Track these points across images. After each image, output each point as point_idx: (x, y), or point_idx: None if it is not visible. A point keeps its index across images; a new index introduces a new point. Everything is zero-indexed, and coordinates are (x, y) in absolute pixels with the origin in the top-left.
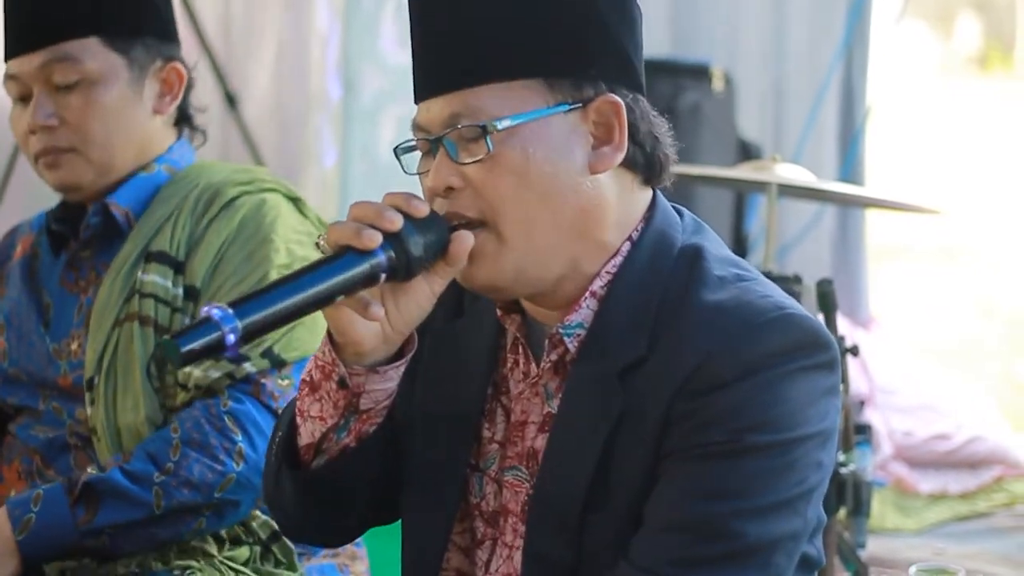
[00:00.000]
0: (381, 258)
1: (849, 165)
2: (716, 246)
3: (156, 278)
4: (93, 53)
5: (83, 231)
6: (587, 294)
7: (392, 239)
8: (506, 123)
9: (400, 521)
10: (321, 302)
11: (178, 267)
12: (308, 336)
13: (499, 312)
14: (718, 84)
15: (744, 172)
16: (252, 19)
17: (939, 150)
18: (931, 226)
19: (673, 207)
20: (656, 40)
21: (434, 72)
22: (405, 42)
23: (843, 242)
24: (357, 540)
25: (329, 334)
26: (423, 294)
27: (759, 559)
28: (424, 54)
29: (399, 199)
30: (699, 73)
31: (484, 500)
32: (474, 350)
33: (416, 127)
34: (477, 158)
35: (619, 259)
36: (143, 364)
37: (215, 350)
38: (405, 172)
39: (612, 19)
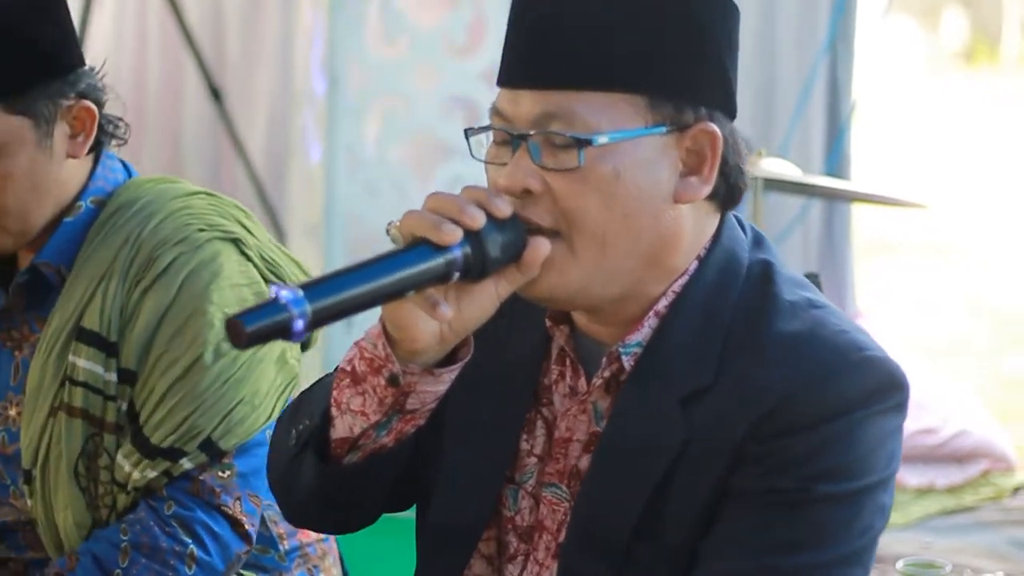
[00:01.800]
0: (458, 255)
1: (835, 160)
2: (778, 261)
3: (87, 364)
4: None
5: (12, 289)
6: (651, 313)
7: (471, 237)
8: (604, 139)
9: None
10: (393, 295)
11: (110, 349)
12: (248, 418)
13: (548, 322)
14: None
15: None
16: (238, 15)
17: (925, 145)
18: (918, 221)
19: (735, 217)
20: None
21: (533, 62)
22: (390, 38)
23: (829, 237)
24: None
25: (383, 326)
26: (488, 297)
27: None
28: (525, 39)
29: (482, 195)
30: None
31: (519, 514)
32: (517, 357)
33: (496, 112)
34: (566, 167)
35: (685, 278)
36: (69, 460)
37: (281, 333)
38: (472, 156)
39: (723, 45)
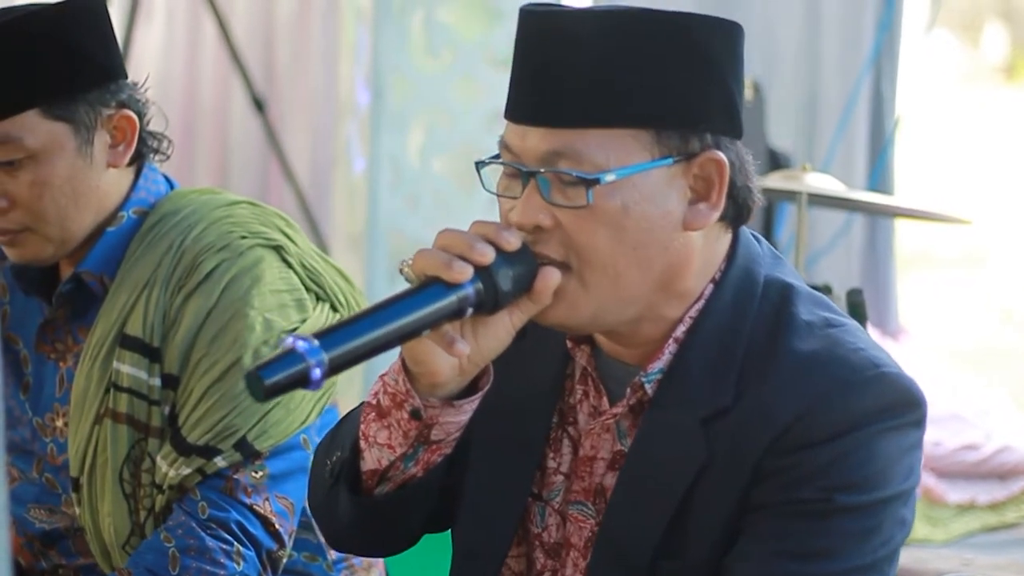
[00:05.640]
0: (469, 291)
1: (878, 174)
2: (798, 281)
3: (131, 369)
4: (32, 128)
5: (56, 299)
6: (670, 340)
7: (482, 272)
8: (612, 176)
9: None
10: (407, 336)
11: (153, 355)
12: (283, 421)
13: (569, 344)
14: (748, 93)
15: (774, 181)
16: (283, 26)
17: (966, 159)
18: (958, 233)
19: (752, 235)
20: None
21: (538, 100)
22: (434, 51)
23: (872, 252)
24: None
25: (403, 362)
26: (503, 328)
27: None
28: (530, 78)
29: (490, 229)
30: None
31: (546, 531)
32: (539, 376)
33: (505, 147)
34: (574, 204)
35: (701, 303)
36: (115, 466)
37: (299, 383)
38: (484, 189)
39: (727, 71)
